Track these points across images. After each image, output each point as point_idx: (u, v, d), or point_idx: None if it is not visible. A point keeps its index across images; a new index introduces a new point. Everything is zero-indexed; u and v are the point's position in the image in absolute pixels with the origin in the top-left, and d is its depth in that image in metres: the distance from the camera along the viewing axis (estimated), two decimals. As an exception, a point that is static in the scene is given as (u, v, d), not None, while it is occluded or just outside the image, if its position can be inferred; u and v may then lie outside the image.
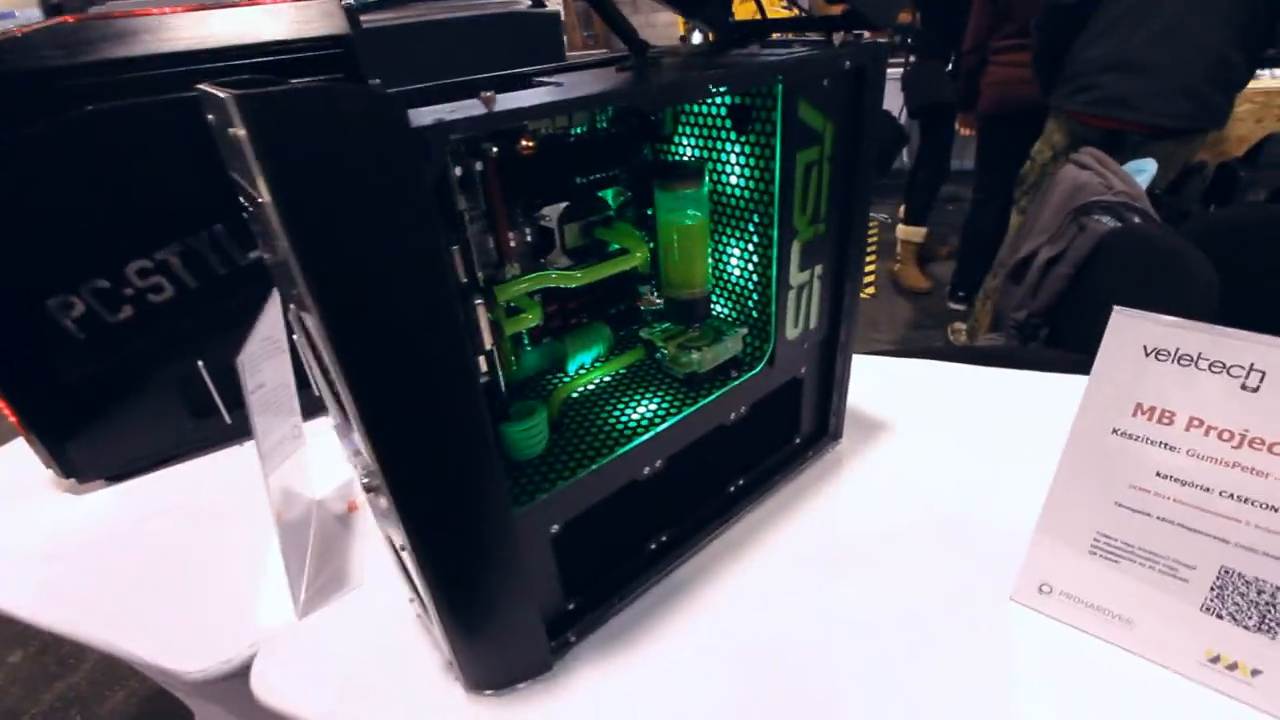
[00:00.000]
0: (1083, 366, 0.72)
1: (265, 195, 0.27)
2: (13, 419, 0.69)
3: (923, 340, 2.18)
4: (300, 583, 0.55)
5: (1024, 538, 0.47)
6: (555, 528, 0.43)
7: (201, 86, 0.31)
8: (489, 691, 0.45)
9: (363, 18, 0.88)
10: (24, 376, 0.67)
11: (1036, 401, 0.73)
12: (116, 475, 0.75)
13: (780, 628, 0.49)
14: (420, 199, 0.28)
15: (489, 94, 0.30)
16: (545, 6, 1.17)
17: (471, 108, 0.30)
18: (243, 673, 0.51)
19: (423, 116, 0.28)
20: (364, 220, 0.28)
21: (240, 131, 0.25)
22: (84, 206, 0.63)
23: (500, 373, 0.42)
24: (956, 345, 1.78)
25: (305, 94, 0.25)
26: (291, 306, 0.37)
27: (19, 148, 0.59)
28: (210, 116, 0.32)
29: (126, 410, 0.72)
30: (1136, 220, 0.97)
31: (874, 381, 0.76)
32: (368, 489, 0.39)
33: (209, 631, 0.54)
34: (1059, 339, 1.04)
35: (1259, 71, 2.04)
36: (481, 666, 0.45)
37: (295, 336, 0.40)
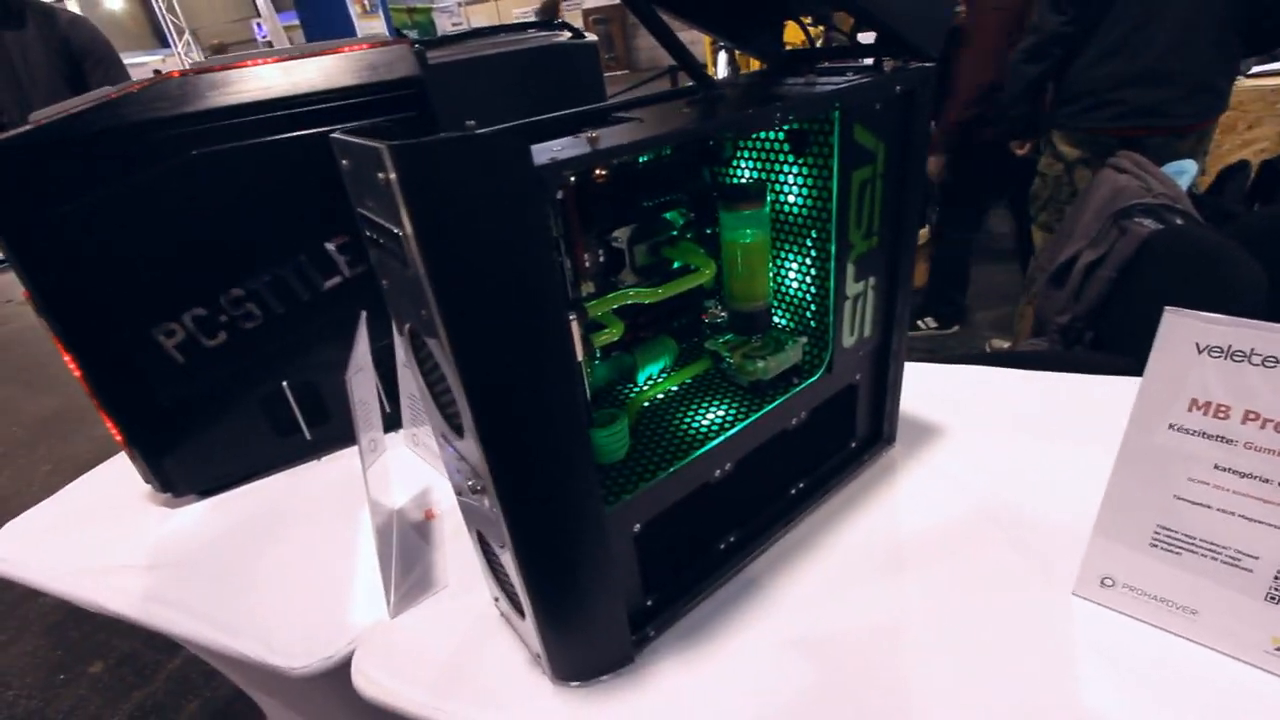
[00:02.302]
0: (1130, 369, 0.74)
1: (408, 229, 0.31)
2: (118, 438, 0.75)
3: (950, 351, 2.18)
4: (391, 584, 0.59)
5: (1081, 534, 0.49)
6: (637, 527, 0.47)
7: (336, 136, 0.36)
8: (575, 683, 0.49)
9: (439, 54, 0.94)
10: (129, 398, 0.73)
11: (1084, 403, 0.74)
12: (208, 490, 0.80)
13: (847, 623, 0.51)
14: (539, 229, 0.32)
15: (594, 134, 0.34)
16: (584, 38, 1.23)
17: (579, 146, 0.34)
18: (341, 669, 0.55)
19: (539, 155, 0.32)
20: (490, 248, 0.32)
21: (391, 175, 0.30)
22: (187, 242, 0.69)
23: (586, 383, 0.46)
24: (1000, 352, 1.77)
25: (448, 144, 0.30)
26: (406, 328, 0.41)
27: (132, 191, 0.66)
28: (345, 160, 0.36)
29: (217, 429, 0.78)
30: (1179, 222, 0.98)
31: (924, 387, 0.78)
32: (472, 491, 0.42)
33: (308, 630, 0.58)
34: (1104, 342, 1.04)
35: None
36: (569, 659, 0.48)
37: (401, 354, 0.45)
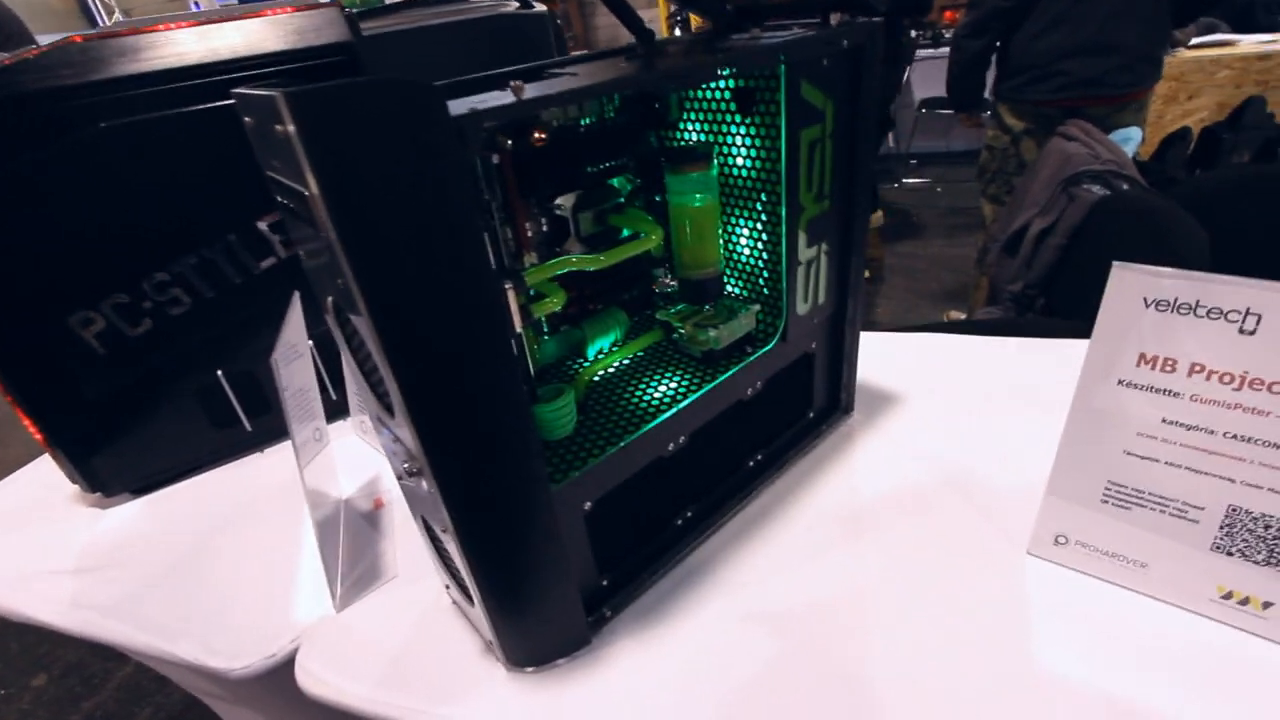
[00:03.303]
0: (1080, 332, 0.74)
1: (313, 188, 0.28)
2: (38, 437, 0.70)
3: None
4: (336, 577, 0.57)
5: (1036, 494, 0.49)
6: (588, 505, 0.45)
7: (238, 90, 0.33)
8: (530, 669, 0.47)
9: (373, 26, 0.89)
10: (48, 394, 0.68)
11: (1037, 366, 0.74)
12: (142, 488, 0.76)
13: (806, 594, 0.50)
14: (459, 186, 0.30)
15: (518, 83, 0.32)
16: (533, 7, 1.18)
17: (502, 97, 0.32)
18: (285, 667, 0.53)
19: (458, 107, 0.30)
20: (407, 207, 0.29)
21: (290, 128, 0.27)
22: (100, 222, 0.64)
23: (528, 356, 0.43)
24: (955, 320, 1.80)
25: (350, 89, 0.27)
26: (329, 302, 0.38)
27: (34, 167, 0.60)
28: (248, 118, 0.33)
29: (149, 423, 0.73)
30: (1125, 187, 0.99)
31: (880, 357, 0.77)
32: (409, 474, 0.40)
33: (249, 630, 0.55)
34: (1055, 308, 1.06)
35: (1239, 38, 2.08)
36: (522, 644, 0.46)
37: (333, 334, 0.42)
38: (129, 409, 0.72)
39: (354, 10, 0.72)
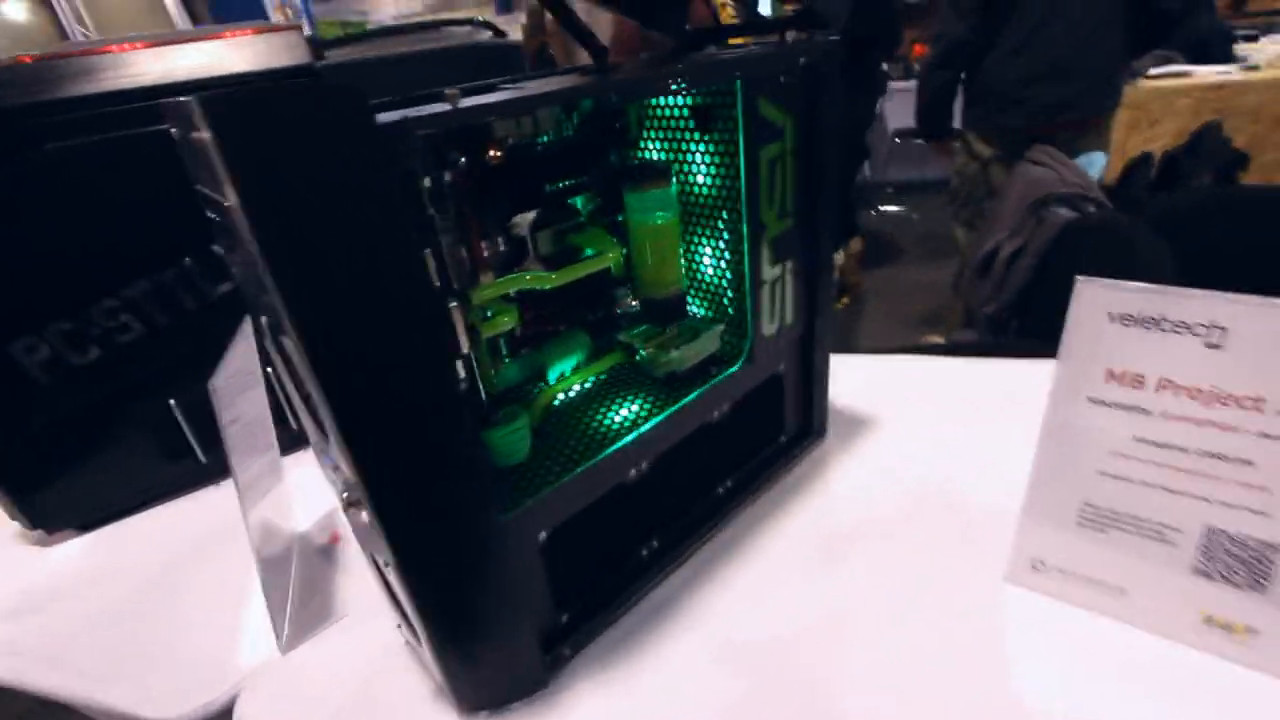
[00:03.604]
0: (1054, 352, 0.74)
1: (232, 198, 0.27)
2: (-25, 470, 0.67)
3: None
4: (283, 617, 0.54)
5: (1013, 518, 0.48)
6: (543, 535, 0.43)
7: (163, 101, 0.31)
8: (483, 713, 0.44)
9: (329, 53, 0.89)
10: (-16, 424, 0.65)
11: (1013, 387, 0.74)
12: (87, 523, 0.72)
13: (780, 627, 0.48)
14: (389, 197, 0.28)
15: (453, 91, 0.31)
16: (506, 37, 1.19)
17: (436, 106, 0.30)
18: (226, 715, 0.49)
19: (389, 115, 0.29)
20: (333, 219, 0.28)
21: (205, 135, 0.25)
22: (46, 246, 0.62)
23: (479, 379, 0.42)
24: (931, 344, 1.81)
25: (269, 93, 0.25)
26: (262, 322, 0.36)
27: (-27, 191, 0.58)
28: (174, 130, 0.31)
29: (97, 456, 0.70)
30: (1092, 209, 1.00)
31: (853, 379, 0.76)
32: (348, 504, 0.38)
33: (190, 675, 0.52)
34: (1030, 330, 1.06)
35: (1195, 69, 2.15)
36: (474, 687, 0.43)
37: (272, 363, 0.40)
38: (75, 441, 0.69)
39: (331, 37, 0.71)
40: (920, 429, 0.68)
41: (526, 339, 0.53)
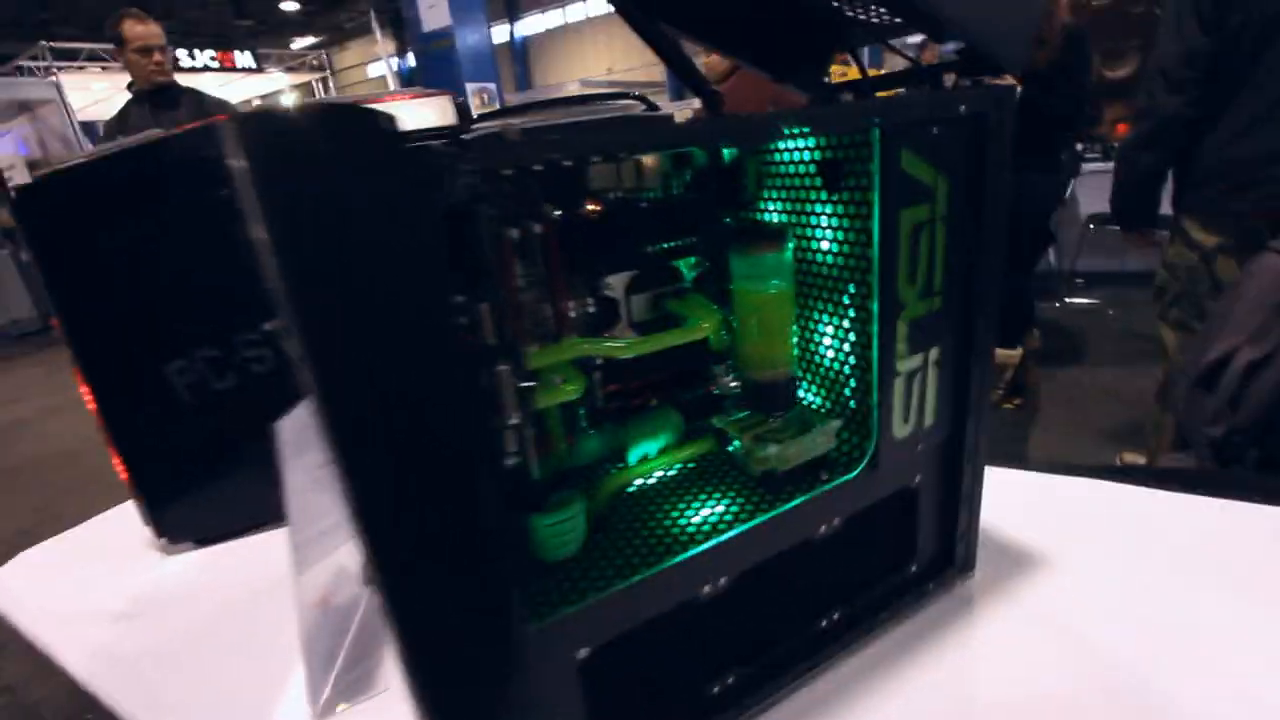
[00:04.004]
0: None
1: (263, 230, 0.24)
2: (123, 476, 0.73)
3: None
4: (327, 678, 0.50)
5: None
6: (583, 652, 0.35)
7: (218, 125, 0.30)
8: None
9: (486, 124, 0.94)
10: (137, 437, 0.71)
11: (1250, 539, 0.55)
12: (204, 539, 0.76)
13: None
14: (425, 233, 0.24)
15: (510, 124, 0.27)
16: (658, 110, 1.20)
17: (487, 138, 0.26)
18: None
19: (431, 143, 0.25)
20: (364, 255, 0.24)
21: (241, 163, 0.23)
22: (208, 280, 0.68)
23: (532, 455, 0.36)
24: (1131, 465, 1.50)
25: (304, 115, 0.23)
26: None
27: (160, 227, 0.66)
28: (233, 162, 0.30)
29: (220, 476, 0.74)
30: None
31: (1018, 501, 0.61)
32: (366, 581, 0.33)
33: (229, 722, 0.50)
34: (1273, 461, 0.82)
35: None
36: (487, 824, 0.36)
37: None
38: (204, 460, 0.73)
39: (465, 99, 0.75)
40: (1111, 580, 0.51)
41: (611, 412, 0.47)
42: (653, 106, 1.23)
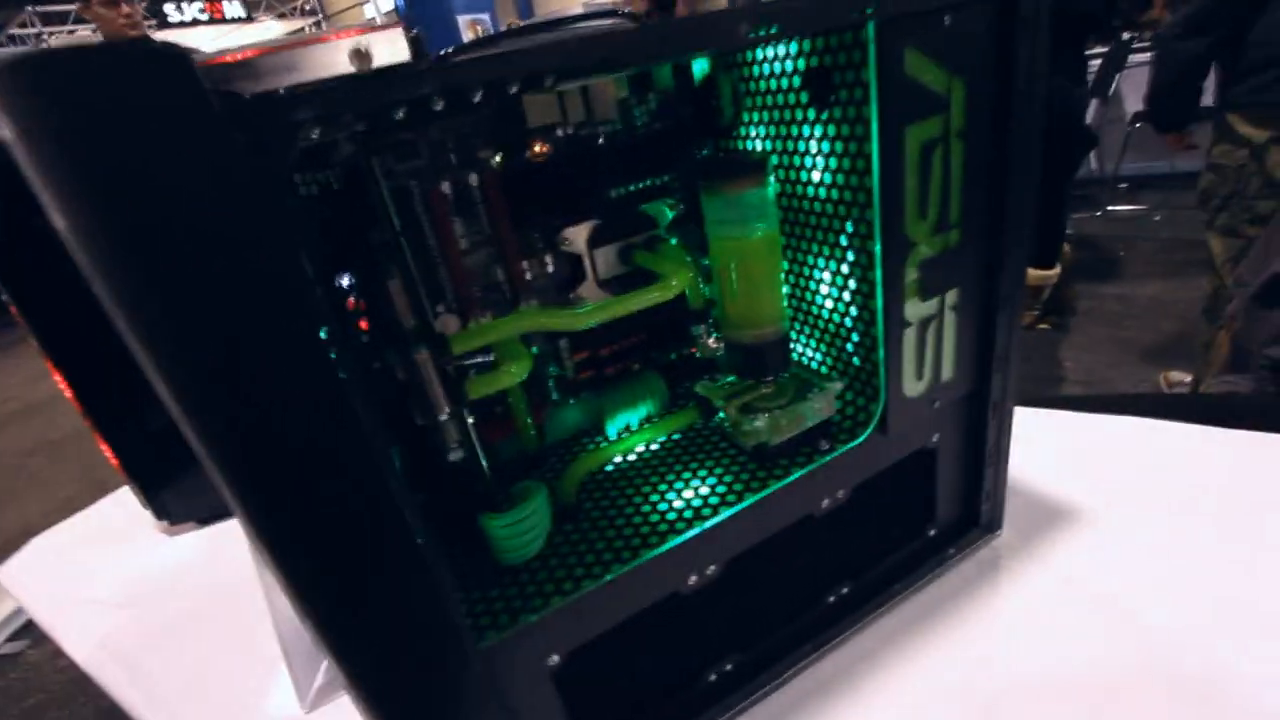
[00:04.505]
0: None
1: (60, 219, 0.19)
2: (114, 461, 0.71)
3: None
4: (315, 672, 0.48)
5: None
6: (554, 659, 0.31)
7: None
8: None
9: (461, 56, 0.85)
10: (121, 422, 0.69)
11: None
12: (206, 518, 0.75)
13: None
14: (262, 207, 0.19)
15: (362, 49, 0.21)
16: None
17: (335, 77, 0.21)
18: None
19: (248, 89, 0.19)
20: (185, 240, 0.19)
21: (8, 133, 0.18)
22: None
23: (480, 449, 0.31)
24: (1176, 395, 1.41)
25: (83, 59, 0.17)
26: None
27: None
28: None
29: (212, 455, 0.72)
30: None
31: (1052, 447, 0.56)
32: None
33: (221, 715, 0.49)
34: (1344, 385, 0.74)
35: None
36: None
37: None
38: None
39: (419, 32, 0.67)
40: (1152, 534, 0.46)
41: (585, 382, 0.42)
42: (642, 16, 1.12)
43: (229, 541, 0.71)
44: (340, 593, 0.25)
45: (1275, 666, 0.36)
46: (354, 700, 0.28)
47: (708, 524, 0.34)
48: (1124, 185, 2.98)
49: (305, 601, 0.24)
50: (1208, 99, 1.46)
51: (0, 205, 0.57)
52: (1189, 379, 1.47)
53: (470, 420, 0.30)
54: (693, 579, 0.34)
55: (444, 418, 0.28)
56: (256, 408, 0.21)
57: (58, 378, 0.68)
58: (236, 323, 0.20)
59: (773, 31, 0.26)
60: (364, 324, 0.30)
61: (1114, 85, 2.62)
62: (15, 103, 0.17)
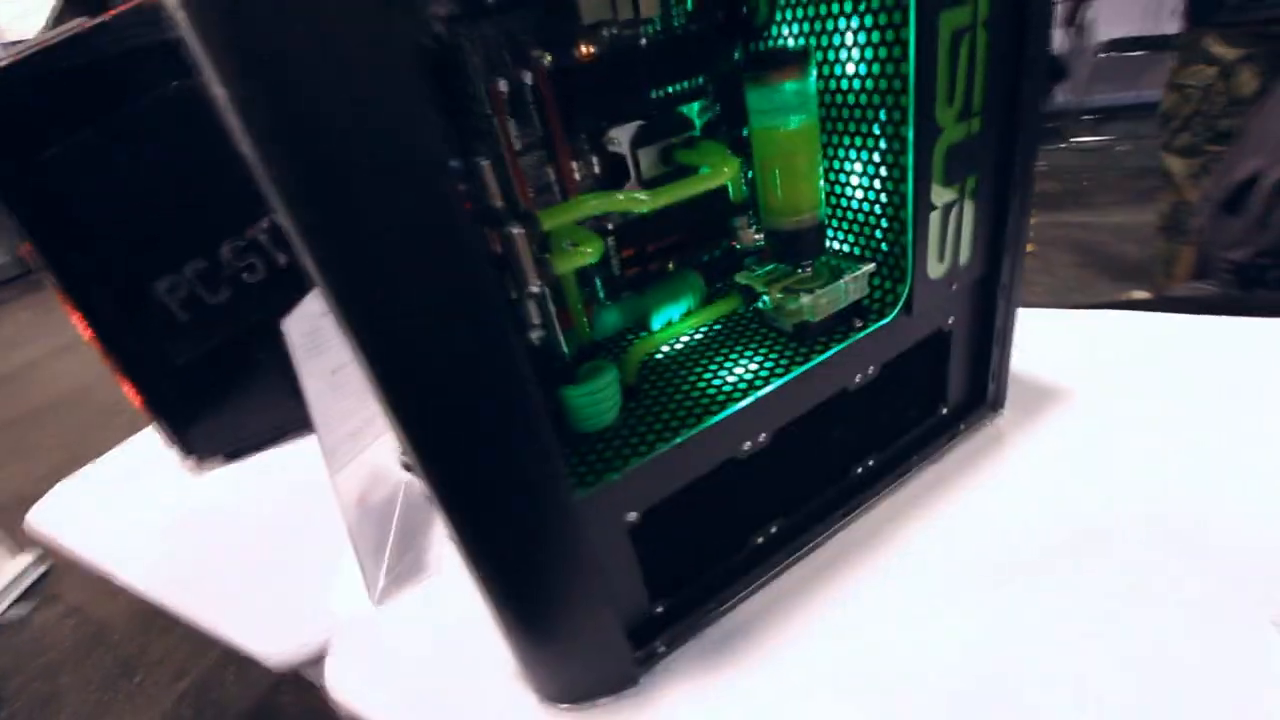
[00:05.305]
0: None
1: (219, 87, 0.21)
2: (137, 401, 0.72)
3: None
4: (379, 569, 0.52)
5: (1272, 540, 0.33)
6: (632, 515, 0.35)
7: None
8: (564, 705, 0.39)
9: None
10: (143, 360, 0.69)
11: (1272, 353, 0.54)
12: (233, 453, 0.77)
13: (935, 657, 0.37)
14: (405, 81, 0.21)
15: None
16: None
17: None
18: (320, 659, 0.49)
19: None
20: (338, 111, 0.21)
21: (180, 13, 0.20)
22: (177, 186, 0.63)
23: (558, 327, 0.34)
24: (1145, 299, 1.49)
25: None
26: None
27: (114, 130, 0.60)
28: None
29: (235, 391, 0.73)
30: None
31: (1040, 342, 0.60)
32: (405, 467, 0.33)
33: (294, 616, 0.52)
34: (1300, 282, 0.80)
35: None
36: (551, 677, 0.38)
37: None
38: (216, 377, 0.72)
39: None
40: (1135, 409, 0.51)
41: (629, 280, 0.45)
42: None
43: (259, 473, 0.73)
44: (470, 447, 0.27)
45: (1246, 511, 0.42)
46: (469, 551, 0.31)
47: (759, 394, 0.37)
48: (1089, 117, 3.04)
49: (434, 455, 0.27)
50: (1174, 25, 1.49)
51: (18, 146, 0.56)
52: (1149, 297, 1.55)
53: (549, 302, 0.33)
54: (746, 445, 0.38)
55: (535, 288, 0.31)
56: (409, 271, 0.23)
57: (76, 319, 0.68)
58: (400, 195, 0.22)
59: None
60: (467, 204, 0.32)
61: (1080, 15, 2.64)
62: None
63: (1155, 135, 1.58)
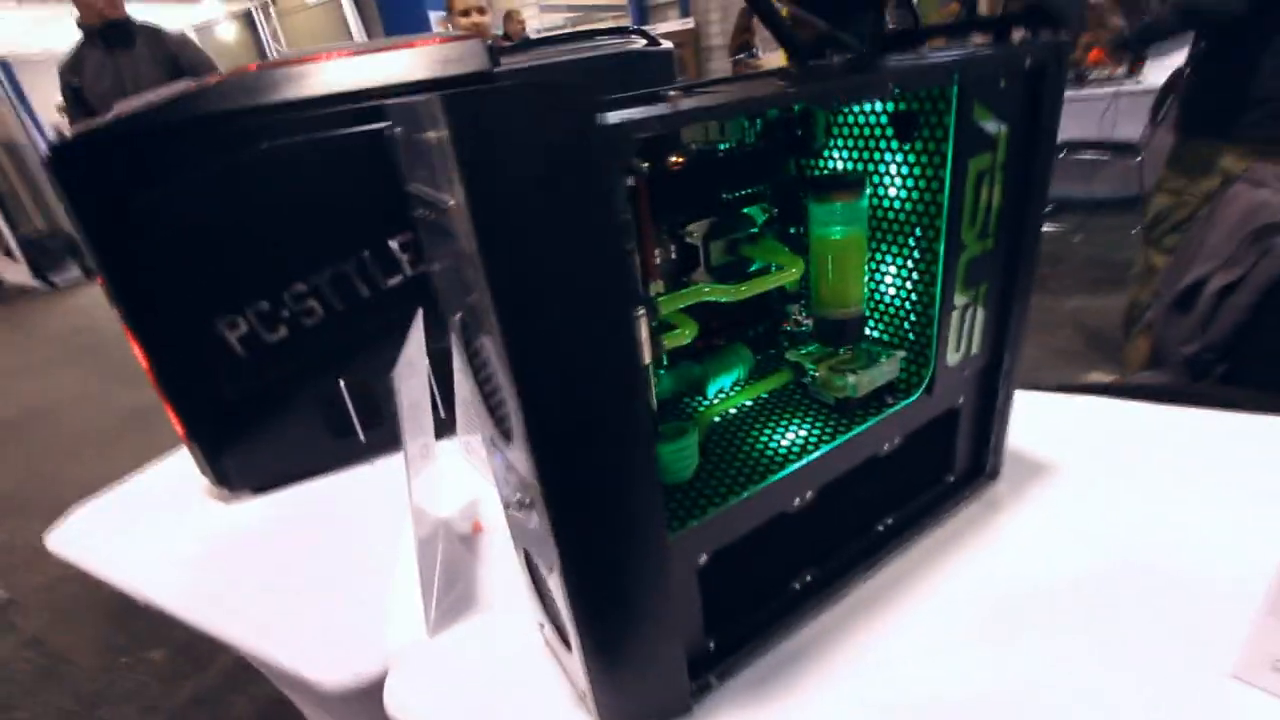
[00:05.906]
0: (1272, 406, 0.62)
1: (459, 196, 0.27)
2: (180, 430, 0.75)
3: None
4: (431, 600, 0.55)
5: (1235, 600, 0.40)
6: (703, 558, 0.41)
7: (391, 101, 0.32)
8: (624, 730, 0.43)
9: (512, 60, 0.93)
10: (191, 390, 0.73)
11: (1229, 443, 0.63)
12: (262, 486, 0.79)
13: (945, 691, 0.43)
14: (608, 202, 0.28)
15: (675, 93, 0.29)
16: (659, 45, 1.19)
17: (657, 108, 0.29)
18: (374, 687, 0.51)
19: (611, 116, 0.28)
20: (552, 220, 0.27)
21: (441, 134, 0.26)
22: (254, 234, 0.68)
23: (653, 390, 0.40)
24: (1109, 384, 1.61)
25: (507, 93, 0.25)
26: (455, 320, 0.37)
27: (204, 182, 0.65)
28: (398, 128, 0.32)
29: (274, 426, 0.77)
30: (1335, 243, 0.84)
31: (1031, 418, 0.68)
32: (519, 505, 0.38)
33: (344, 643, 0.55)
34: (1240, 376, 0.91)
35: None
36: (618, 701, 0.42)
37: (453, 352, 0.41)
38: (259, 411, 0.76)
39: (493, 44, 0.74)
40: (1111, 481, 0.59)
41: (686, 351, 0.51)
42: (654, 40, 1.22)
43: (289, 507, 0.76)
44: (600, 490, 0.33)
45: (1213, 578, 0.49)
46: (576, 579, 0.36)
47: (810, 457, 0.44)
48: (1047, 207, 3.28)
49: (565, 493, 0.33)
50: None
51: (101, 189, 0.61)
52: (1109, 380, 1.68)
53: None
54: (797, 501, 0.44)
55: (646, 361, 0.37)
56: (577, 338, 0.29)
57: (135, 347, 0.72)
58: (588, 272, 0.28)
59: (898, 90, 0.36)
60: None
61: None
62: (460, 119, 0.25)
63: (1109, 228, 1.72)
